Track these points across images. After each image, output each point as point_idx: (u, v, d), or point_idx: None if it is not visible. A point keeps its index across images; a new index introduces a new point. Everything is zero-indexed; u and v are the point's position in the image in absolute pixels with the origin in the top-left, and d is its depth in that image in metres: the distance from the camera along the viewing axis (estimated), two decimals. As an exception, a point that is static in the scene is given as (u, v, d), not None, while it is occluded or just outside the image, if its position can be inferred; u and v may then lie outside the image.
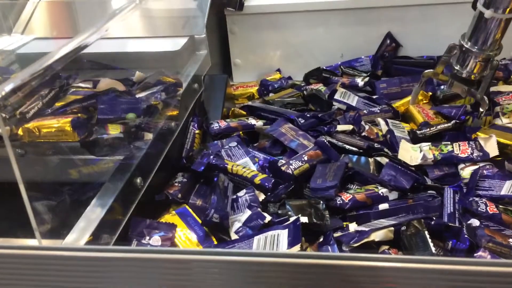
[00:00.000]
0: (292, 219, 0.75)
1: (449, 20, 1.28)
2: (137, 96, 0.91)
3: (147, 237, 0.74)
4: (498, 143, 0.90)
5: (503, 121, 1.01)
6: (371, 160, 0.92)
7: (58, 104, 0.88)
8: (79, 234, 0.64)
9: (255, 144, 1.04)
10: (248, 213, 0.78)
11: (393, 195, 0.83)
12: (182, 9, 1.25)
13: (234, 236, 0.76)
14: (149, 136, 0.86)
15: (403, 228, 0.71)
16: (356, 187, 0.86)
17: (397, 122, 1.07)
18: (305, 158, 0.91)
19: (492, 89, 1.12)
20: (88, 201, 0.69)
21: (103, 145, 0.75)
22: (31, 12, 1.27)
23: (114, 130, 0.77)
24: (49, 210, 0.66)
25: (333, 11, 1.33)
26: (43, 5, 1.28)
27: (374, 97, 1.19)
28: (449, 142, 0.94)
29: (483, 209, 0.77)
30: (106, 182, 0.74)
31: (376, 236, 0.71)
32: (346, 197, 0.81)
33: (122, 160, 0.78)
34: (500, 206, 0.78)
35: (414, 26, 1.32)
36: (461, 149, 0.92)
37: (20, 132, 0.76)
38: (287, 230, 0.72)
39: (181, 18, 1.23)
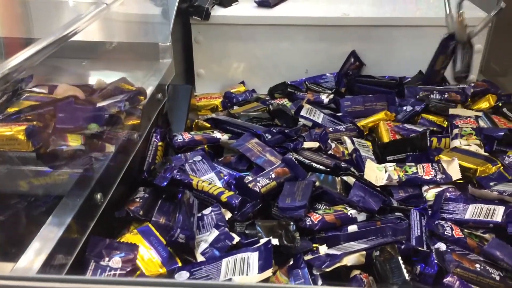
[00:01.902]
0: (262, 241, 0.72)
1: (411, 42, 1.31)
2: (99, 104, 0.85)
3: (107, 258, 0.69)
4: (460, 166, 0.92)
5: (462, 142, 1.04)
6: (338, 179, 0.91)
7: (10, 110, 0.81)
8: (34, 256, 0.58)
9: (220, 159, 1.01)
10: (215, 233, 0.75)
11: (361, 217, 0.82)
12: (147, 15, 1.20)
13: (200, 258, 0.73)
14: (110, 148, 0.81)
15: (377, 253, 0.69)
16: (325, 207, 0.84)
17: (362, 141, 1.07)
18: (273, 175, 0.89)
19: (451, 111, 1.15)
20: (44, 219, 0.63)
21: (62, 157, 0.69)
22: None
23: (75, 142, 0.71)
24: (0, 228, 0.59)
25: (298, 27, 1.33)
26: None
27: (339, 114, 1.19)
28: (413, 164, 0.95)
29: (449, 233, 0.78)
30: (64, 197, 0.68)
31: (348, 261, 0.70)
32: (315, 218, 0.79)
33: (81, 174, 0.73)
34: (465, 230, 0.79)
35: (378, 47, 1.34)
36: (425, 170, 0.93)
37: (-34, 139, 0.69)
38: (257, 252, 0.69)
39: (146, 25, 1.18)
